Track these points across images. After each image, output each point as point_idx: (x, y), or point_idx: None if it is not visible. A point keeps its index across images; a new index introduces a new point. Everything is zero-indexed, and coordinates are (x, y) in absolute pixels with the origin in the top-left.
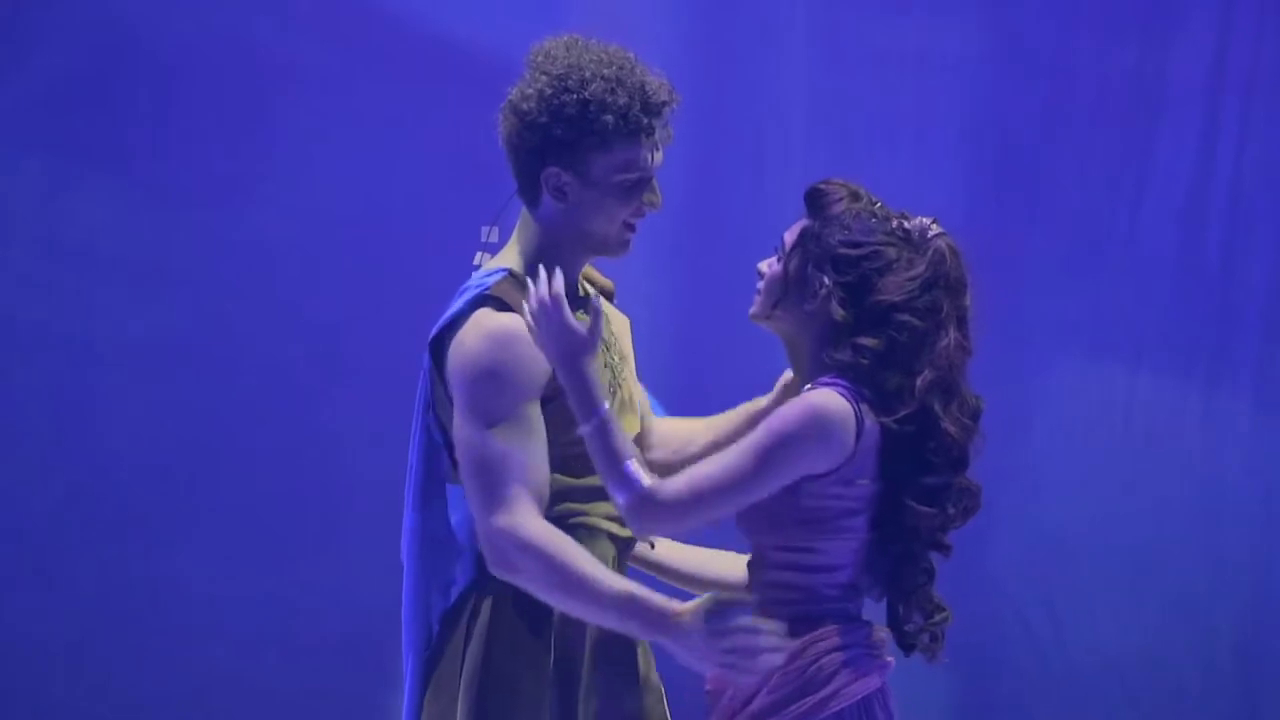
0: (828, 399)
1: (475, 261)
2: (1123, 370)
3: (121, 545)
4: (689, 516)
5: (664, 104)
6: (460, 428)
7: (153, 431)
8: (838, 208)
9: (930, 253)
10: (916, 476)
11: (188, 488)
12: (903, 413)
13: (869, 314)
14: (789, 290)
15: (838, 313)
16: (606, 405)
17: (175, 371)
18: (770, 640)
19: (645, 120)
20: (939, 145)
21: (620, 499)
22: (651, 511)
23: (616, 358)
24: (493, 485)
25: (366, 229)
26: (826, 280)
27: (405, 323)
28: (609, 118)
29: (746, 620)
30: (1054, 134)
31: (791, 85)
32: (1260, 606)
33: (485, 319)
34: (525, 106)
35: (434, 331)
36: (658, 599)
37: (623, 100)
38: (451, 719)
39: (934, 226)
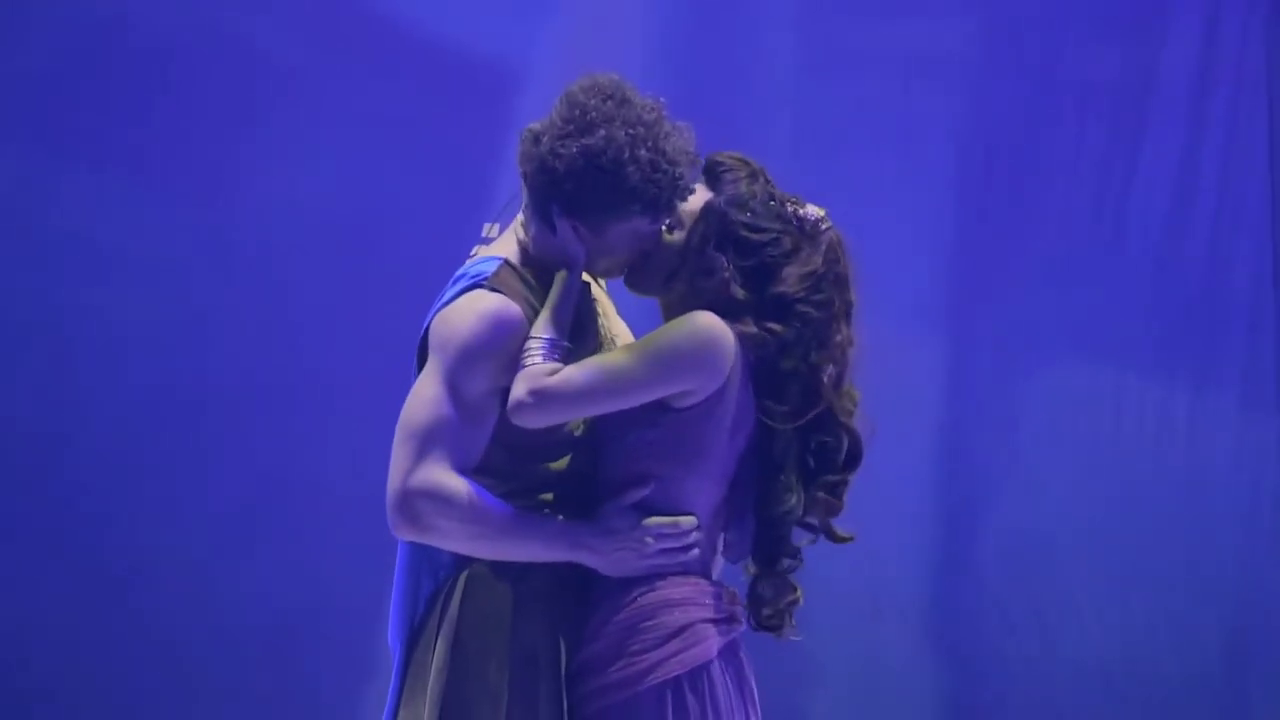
0: (716, 320)
1: (472, 253)
2: (1110, 371)
3: (112, 537)
4: (569, 410)
5: (690, 189)
6: (423, 384)
7: (141, 424)
8: (736, 186)
9: (824, 247)
10: (821, 472)
11: (177, 479)
12: (805, 409)
13: (770, 301)
14: (686, 263)
15: (739, 293)
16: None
17: (164, 364)
18: (693, 535)
19: (672, 203)
20: (927, 147)
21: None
22: (540, 398)
23: (617, 338)
24: (422, 446)
25: (354, 223)
26: (727, 261)
27: (393, 314)
28: (636, 205)
29: (663, 519)
30: (1042, 135)
31: (778, 86)
32: (1247, 608)
33: (479, 298)
34: (552, 163)
35: (428, 319)
36: (574, 526)
37: (653, 191)
38: (424, 700)
39: (825, 218)
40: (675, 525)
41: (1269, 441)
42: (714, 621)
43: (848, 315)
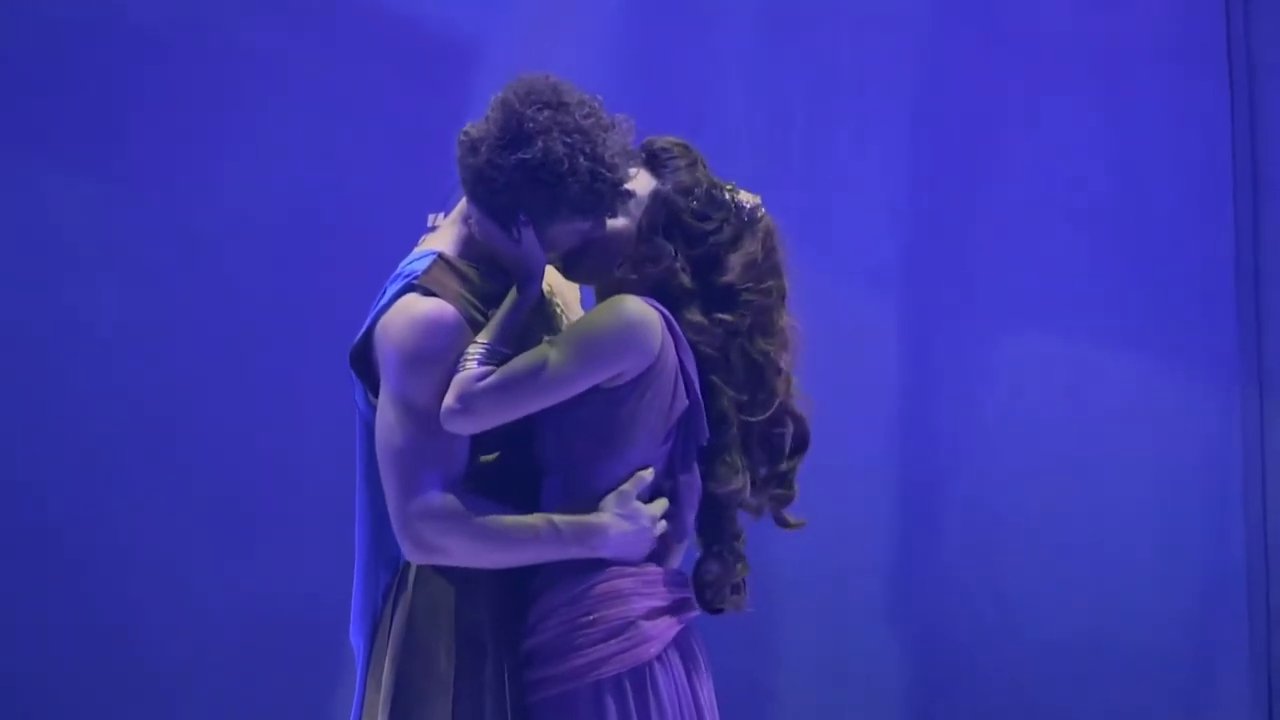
0: (639, 302)
1: (420, 242)
2: (1071, 345)
3: (86, 537)
4: (500, 412)
5: (629, 193)
6: (381, 411)
7: (111, 417)
8: (679, 174)
9: (761, 233)
10: (772, 460)
11: (153, 477)
12: (763, 399)
13: (717, 291)
14: (635, 250)
15: (686, 282)
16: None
17: (139, 361)
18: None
19: (613, 207)
20: (884, 112)
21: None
22: (468, 403)
23: (559, 304)
24: (407, 472)
25: (321, 211)
26: (674, 250)
27: (361, 303)
28: (577, 215)
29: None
30: (1000, 103)
31: (733, 54)
32: (1210, 585)
33: (411, 304)
34: (491, 174)
35: (369, 320)
36: (577, 519)
37: (592, 200)
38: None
39: (759, 205)
40: (666, 504)
41: (1231, 417)
42: (663, 611)
43: (783, 301)
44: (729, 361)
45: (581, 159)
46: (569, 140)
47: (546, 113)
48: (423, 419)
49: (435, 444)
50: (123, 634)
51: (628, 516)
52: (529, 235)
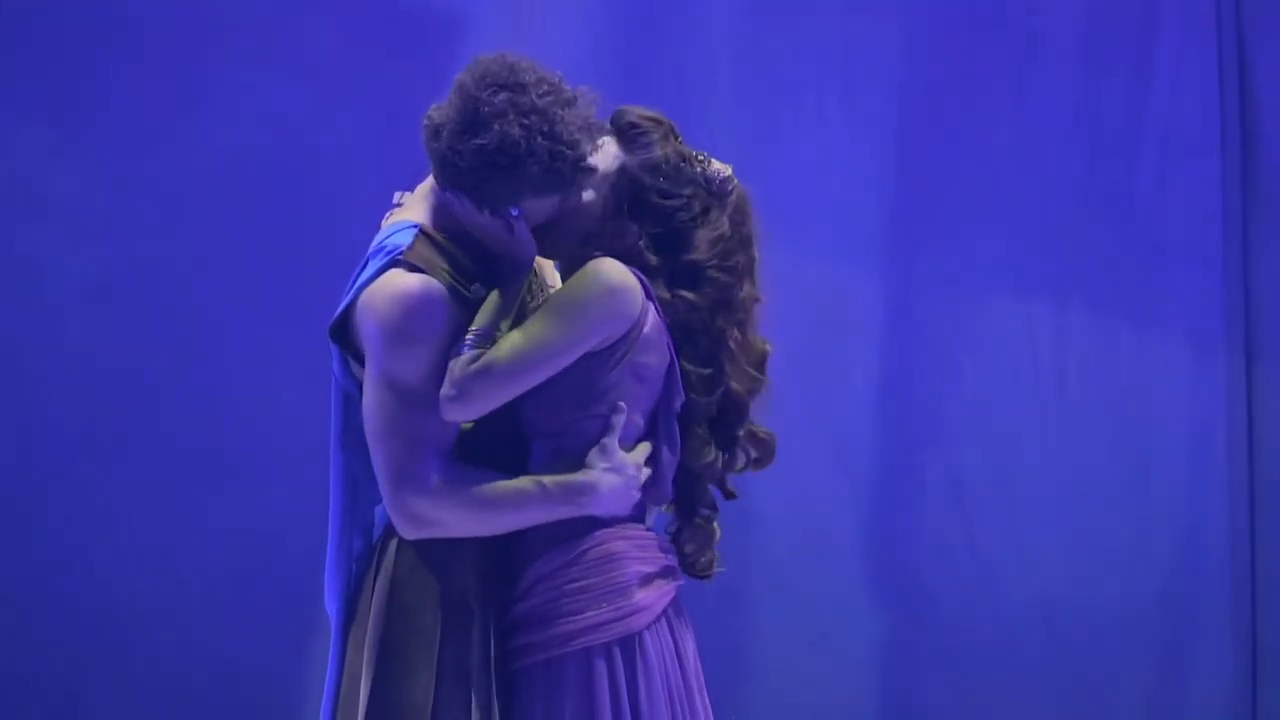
0: (617, 266)
1: (387, 217)
2: (1056, 310)
3: (49, 490)
4: (497, 394)
5: (592, 168)
6: (368, 391)
7: (83, 374)
8: (650, 150)
9: (729, 208)
10: (730, 426)
11: (117, 432)
12: (719, 375)
13: (682, 268)
14: (601, 228)
15: (651, 260)
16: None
17: (105, 314)
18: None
19: (575, 182)
20: (868, 82)
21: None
22: (463, 389)
23: (533, 279)
24: (398, 452)
25: (296, 171)
26: (639, 229)
27: (334, 267)
28: (541, 193)
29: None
30: (987, 69)
31: (718, 26)
32: (1190, 549)
33: (396, 280)
34: (453, 159)
35: (352, 293)
36: (565, 479)
37: (554, 179)
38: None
39: (730, 176)
40: (648, 449)
41: (1215, 383)
42: (655, 576)
43: (751, 272)
44: (693, 335)
45: (539, 139)
46: (526, 122)
47: (502, 95)
48: (410, 396)
49: (424, 421)
50: (93, 593)
51: (615, 469)
52: (522, 228)
